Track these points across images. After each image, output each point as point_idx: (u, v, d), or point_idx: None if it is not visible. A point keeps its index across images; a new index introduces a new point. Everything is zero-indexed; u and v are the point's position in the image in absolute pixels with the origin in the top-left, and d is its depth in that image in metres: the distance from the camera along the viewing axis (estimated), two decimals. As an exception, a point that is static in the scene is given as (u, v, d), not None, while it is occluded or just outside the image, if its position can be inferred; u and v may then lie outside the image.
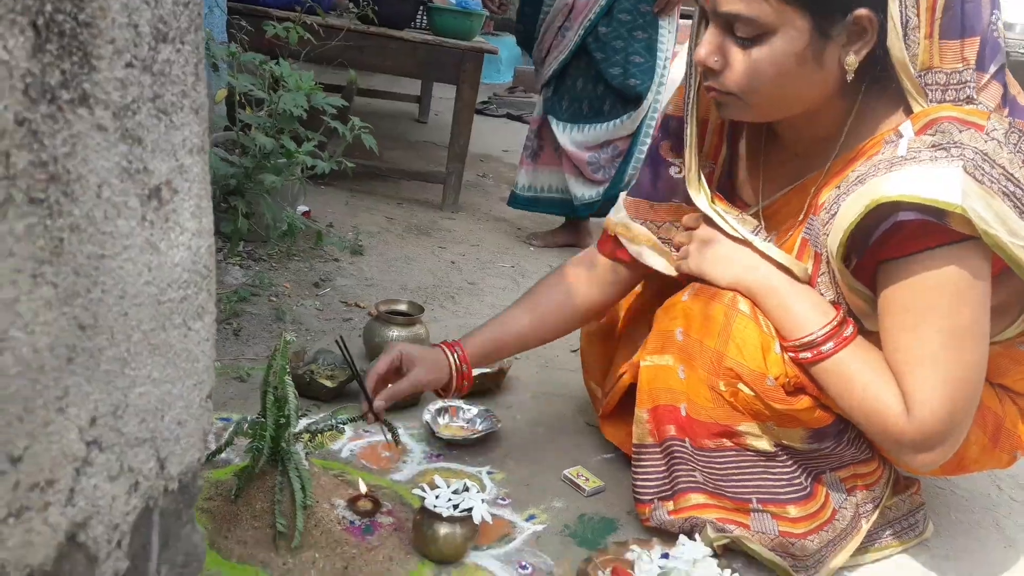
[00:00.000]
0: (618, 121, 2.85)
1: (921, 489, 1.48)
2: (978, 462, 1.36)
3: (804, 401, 1.22)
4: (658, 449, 1.39)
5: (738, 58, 1.12)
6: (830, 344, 1.16)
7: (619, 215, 1.50)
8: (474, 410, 1.70)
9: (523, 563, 1.31)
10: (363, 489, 1.35)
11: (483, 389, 1.80)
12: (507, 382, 1.88)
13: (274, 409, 1.27)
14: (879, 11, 1.06)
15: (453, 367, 1.46)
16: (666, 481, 1.39)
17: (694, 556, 1.30)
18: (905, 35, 1.05)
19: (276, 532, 1.24)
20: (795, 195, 1.29)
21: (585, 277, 1.55)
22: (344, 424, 1.42)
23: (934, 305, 1.07)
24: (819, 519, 1.32)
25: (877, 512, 1.37)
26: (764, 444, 1.29)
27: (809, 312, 1.18)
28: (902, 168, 1.04)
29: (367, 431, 1.61)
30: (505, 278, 2.66)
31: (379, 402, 1.38)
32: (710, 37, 1.14)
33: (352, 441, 1.58)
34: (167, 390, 0.59)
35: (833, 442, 1.27)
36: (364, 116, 2.16)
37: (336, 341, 1.46)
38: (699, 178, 1.32)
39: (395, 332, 1.88)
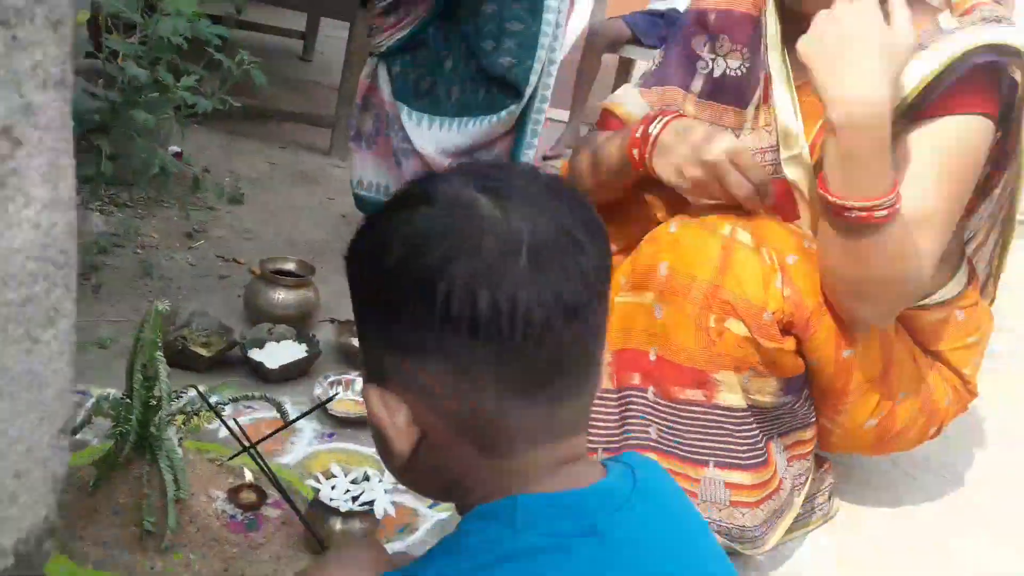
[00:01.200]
0: (495, 118, 1.90)
1: (832, 467, 1.47)
2: (902, 435, 1.35)
3: (790, 342, 1.17)
4: (614, 396, 1.27)
5: None
6: (897, 204, 1.10)
7: (629, 102, 1.43)
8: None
9: (427, 558, 1.20)
10: (247, 478, 1.20)
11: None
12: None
13: (142, 390, 1.09)
14: None
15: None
16: (615, 432, 1.27)
17: None
18: None
19: (143, 531, 1.08)
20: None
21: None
22: (224, 405, 1.25)
23: (945, 157, 1.18)
24: (769, 487, 1.25)
25: (806, 486, 1.34)
26: (736, 399, 1.19)
27: (884, 174, 1.11)
28: (970, 28, 1.16)
29: (250, 407, 1.44)
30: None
31: None
32: None
33: (233, 418, 1.41)
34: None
35: (795, 397, 1.23)
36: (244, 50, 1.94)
37: (252, 454, 1.12)
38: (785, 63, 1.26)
39: (282, 295, 1.70)
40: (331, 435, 1.44)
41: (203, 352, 1.52)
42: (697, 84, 1.37)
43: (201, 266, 1.96)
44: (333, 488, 1.18)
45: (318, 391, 1.50)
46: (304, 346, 1.61)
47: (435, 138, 1.92)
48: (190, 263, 1.95)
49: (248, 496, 1.18)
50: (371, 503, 1.16)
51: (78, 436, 1.26)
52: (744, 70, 1.33)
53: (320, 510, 1.13)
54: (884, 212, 1.08)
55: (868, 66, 1.05)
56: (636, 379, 1.24)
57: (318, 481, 1.18)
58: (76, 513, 1.09)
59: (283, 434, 1.40)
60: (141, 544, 1.08)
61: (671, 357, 1.20)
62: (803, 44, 1.10)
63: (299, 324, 1.72)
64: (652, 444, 1.24)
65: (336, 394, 1.47)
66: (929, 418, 1.37)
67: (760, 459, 1.23)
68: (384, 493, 1.18)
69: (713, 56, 1.35)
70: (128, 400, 1.11)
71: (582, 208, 0.63)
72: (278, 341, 1.61)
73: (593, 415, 1.28)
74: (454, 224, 0.58)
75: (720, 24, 1.34)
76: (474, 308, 0.56)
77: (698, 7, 1.38)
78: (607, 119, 1.44)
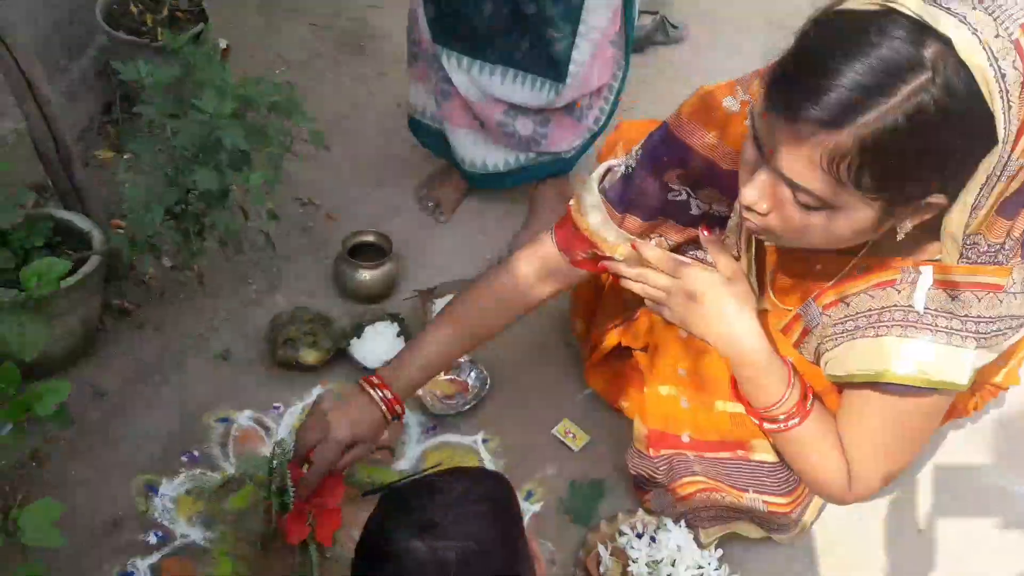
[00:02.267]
0: (539, 83, 1.82)
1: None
2: None
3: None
4: (654, 460, 1.52)
5: (791, 212, 0.99)
6: (795, 419, 1.22)
7: (596, 220, 1.36)
8: (459, 360, 1.77)
9: (529, 554, 1.51)
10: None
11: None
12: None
13: (277, 497, 1.34)
14: (952, 197, 0.97)
15: (386, 414, 1.38)
16: (665, 477, 1.53)
17: (678, 542, 1.51)
18: (969, 214, 0.97)
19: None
20: (798, 279, 1.25)
21: (536, 274, 1.40)
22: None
23: (892, 416, 1.16)
24: (803, 495, 1.50)
25: None
26: (769, 456, 1.42)
27: (779, 388, 1.21)
28: (916, 336, 1.06)
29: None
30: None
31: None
32: (763, 183, 0.99)
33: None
34: None
35: None
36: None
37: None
38: (750, 238, 1.23)
39: (367, 276, 1.86)
40: (433, 428, 1.69)
41: (312, 359, 1.73)
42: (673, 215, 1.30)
43: (279, 210, 2.05)
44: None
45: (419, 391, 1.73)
46: (398, 328, 1.80)
47: (476, 83, 1.85)
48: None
49: (384, 535, 1.48)
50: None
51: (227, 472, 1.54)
52: (727, 214, 1.26)
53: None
54: (777, 425, 1.21)
55: (711, 325, 1.18)
56: (671, 449, 1.46)
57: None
58: (258, 567, 1.42)
59: (392, 436, 1.66)
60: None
61: (703, 438, 1.41)
62: (667, 314, 1.22)
63: (386, 298, 1.91)
64: (700, 478, 1.48)
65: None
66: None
67: (794, 487, 1.45)
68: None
69: (696, 200, 1.26)
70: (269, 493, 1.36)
71: (496, 520, 0.92)
72: (373, 323, 1.81)
73: (639, 468, 1.55)
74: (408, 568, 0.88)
75: (702, 174, 1.22)
76: None
77: (680, 138, 1.22)
78: (570, 232, 1.35)
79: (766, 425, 1.24)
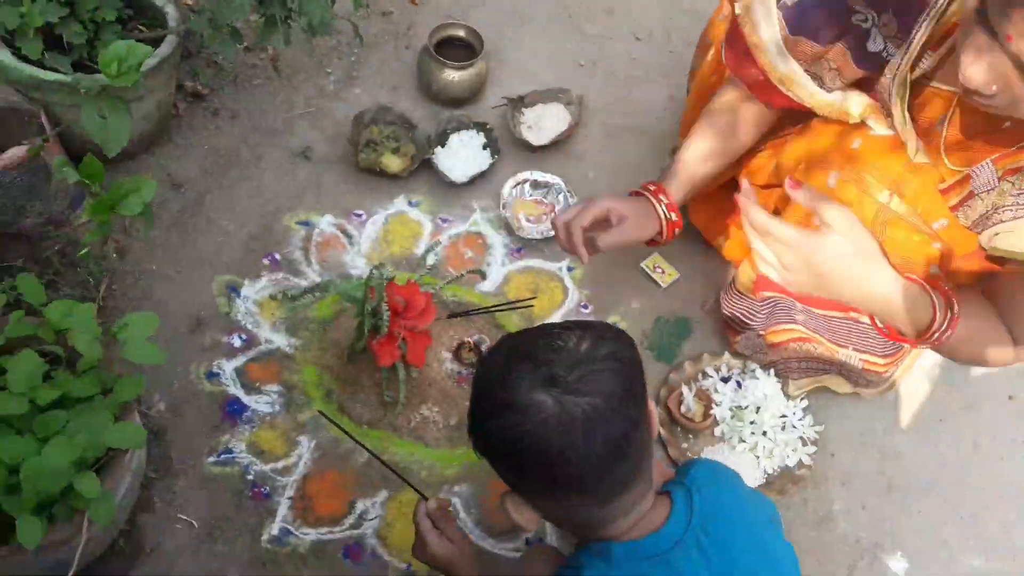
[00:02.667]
0: None
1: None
2: None
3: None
4: (759, 303, 1.45)
5: (1021, 95, 0.87)
6: (948, 332, 1.13)
7: (784, 64, 1.19)
8: (548, 180, 1.67)
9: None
10: (469, 344, 1.45)
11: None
12: (580, 107, 1.76)
13: (371, 319, 1.30)
14: None
15: (663, 218, 1.36)
16: (762, 322, 1.48)
17: (766, 390, 1.48)
18: None
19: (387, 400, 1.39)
20: (977, 137, 1.09)
21: (752, 107, 1.35)
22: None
23: None
24: (901, 356, 1.45)
25: None
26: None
27: (923, 319, 1.11)
28: None
29: (447, 219, 1.61)
30: None
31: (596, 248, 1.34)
32: (996, 65, 0.86)
33: (433, 237, 1.60)
34: None
35: None
36: None
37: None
38: (906, 86, 1.08)
39: (455, 76, 1.70)
40: (519, 250, 1.62)
41: (396, 166, 1.63)
42: (849, 44, 1.12)
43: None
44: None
45: (505, 195, 1.64)
46: (484, 139, 1.68)
47: None
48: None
49: (469, 356, 1.45)
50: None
51: (310, 278, 1.50)
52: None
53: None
54: (930, 342, 1.11)
55: (841, 290, 1.06)
56: (778, 293, 1.37)
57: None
58: (344, 379, 1.41)
59: (480, 253, 1.60)
60: (394, 407, 1.40)
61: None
62: (788, 283, 1.09)
63: (473, 102, 1.77)
64: (798, 328, 1.41)
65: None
66: None
67: (897, 350, 1.39)
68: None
69: (877, 29, 1.08)
70: (361, 314, 1.31)
71: (622, 379, 0.88)
72: (458, 131, 1.69)
73: (737, 308, 1.49)
74: (531, 428, 0.85)
75: None
76: (555, 476, 0.87)
77: None
78: (740, 49, 1.21)
79: (921, 345, 1.14)
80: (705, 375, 1.51)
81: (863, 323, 1.37)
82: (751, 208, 1.05)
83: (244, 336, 1.41)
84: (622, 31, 1.98)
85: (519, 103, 1.75)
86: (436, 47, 1.73)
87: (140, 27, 1.48)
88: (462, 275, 1.49)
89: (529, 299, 1.53)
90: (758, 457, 1.44)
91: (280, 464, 1.31)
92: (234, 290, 1.46)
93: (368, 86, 1.77)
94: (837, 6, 1.10)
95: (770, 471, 1.44)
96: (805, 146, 1.29)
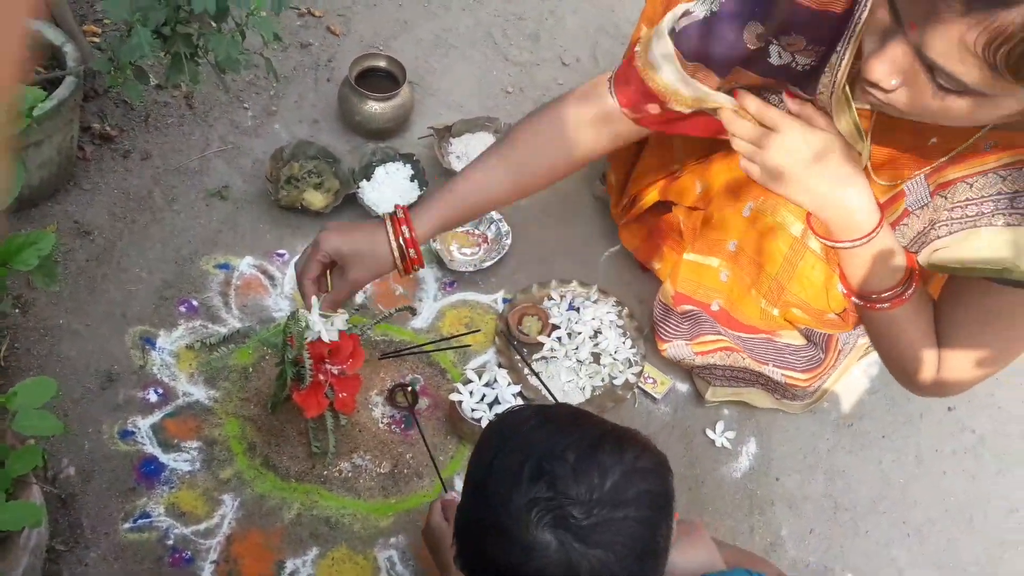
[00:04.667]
0: None
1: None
2: None
3: (854, 319, 1.24)
4: (678, 314, 1.45)
5: (924, 93, 0.82)
6: (886, 304, 1.12)
7: (667, 74, 1.10)
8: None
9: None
10: (404, 386, 1.39)
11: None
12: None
13: (292, 368, 1.23)
14: None
15: (395, 253, 1.17)
16: (687, 331, 1.46)
17: (599, 318, 1.53)
18: None
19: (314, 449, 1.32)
20: (904, 152, 1.08)
21: (592, 130, 1.19)
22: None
23: (1006, 312, 1.04)
24: (826, 369, 1.44)
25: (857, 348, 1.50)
26: (796, 340, 1.35)
27: (882, 269, 1.08)
28: None
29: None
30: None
31: (324, 305, 1.19)
32: (895, 56, 0.82)
33: (361, 274, 1.54)
34: None
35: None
36: None
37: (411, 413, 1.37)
38: (845, 92, 1.02)
39: (377, 108, 1.65)
40: (452, 283, 1.57)
41: (318, 204, 1.57)
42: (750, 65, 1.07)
43: (281, 29, 1.84)
44: (471, 394, 1.37)
45: (435, 246, 1.58)
46: (411, 171, 1.63)
47: None
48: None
49: (402, 399, 1.39)
50: (506, 414, 1.36)
51: (231, 325, 1.43)
52: (810, 68, 1.04)
53: (463, 412, 1.35)
54: (873, 305, 1.07)
55: (818, 186, 1.02)
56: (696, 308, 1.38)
57: (458, 391, 1.37)
58: (268, 431, 1.34)
59: (410, 289, 1.55)
60: (323, 459, 1.33)
61: (734, 314, 1.35)
62: (754, 171, 1.06)
63: (399, 133, 1.72)
64: (722, 338, 1.42)
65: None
66: None
67: (816, 364, 1.39)
68: (513, 397, 1.38)
69: (777, 47, 1.03)
70: (282, 361, 1.24)
71: (644, 531, 0.74)
72: (383, 164, 1.64)
73: (663, 322, 1.48)
74: (526, 570, 0.74)
75: (787, 18, 0.99)
76: None
77: None
78: (636, 87, 1.13)
79: (856, 300, 1.11)
80: (550, 298, 1.57)
81: (779, 342, 1.37)
82: (745, 96, 1.05)
83: (160, 390, 1.33)
84: (548, 57, 1.96)
85: (446, 133, 1.71)
86: (357, 78, 1.68)
87: (38, 68, 1.40)
88: (391, 313, 1.43)
89: (465, 334, 1.49)
90: (578, 375, 1.48)
91: (202, 526, 1.23)
92: (148, 341, 1.38)
93: (288, 121, 1.71)
94: (733, 38, 1.03)
95: (593, 389, 1.48)
96: (728, 171, 1.28)
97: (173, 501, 1.24)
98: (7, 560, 0.93)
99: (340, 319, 1.20)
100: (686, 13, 1.08)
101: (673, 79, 1.08)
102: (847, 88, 1.00)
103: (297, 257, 1.22)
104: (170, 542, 1.21)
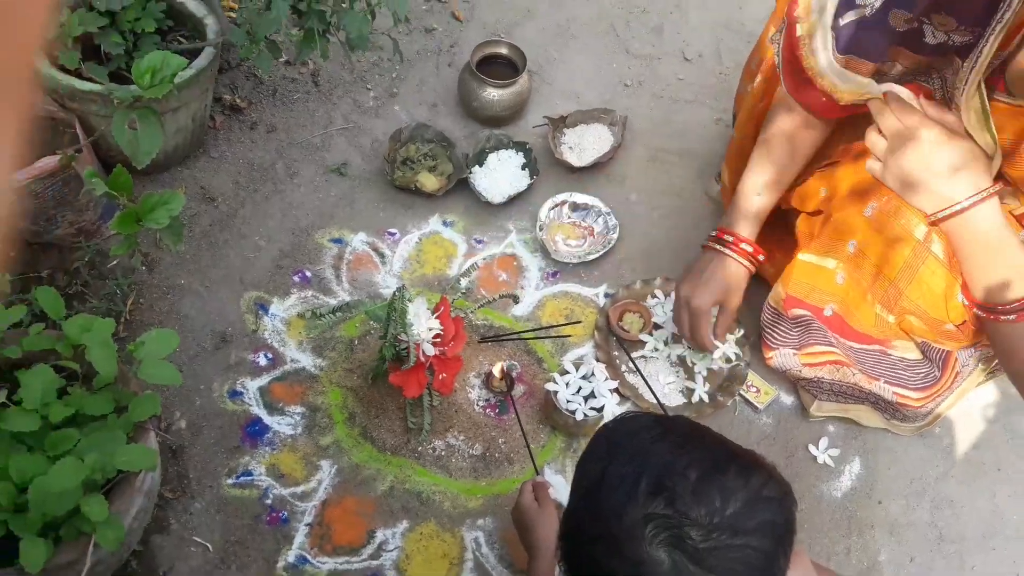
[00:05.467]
0: None
1: None
2: None
3: (973, 334, 1.18)
4: (788, 319, 1.39)
5: None
6: (1012, 316, 1.05)
7: (838, 79, 1.13)
8: (588, 203, 1.62)
9: (645, 422, 1.43)
10: (497, 372, 1.40)
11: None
12: (623, 128, 1.71)
13: (391, 347, 1.25)
14: None
15: (747, 266, 1.34)
16: (797, 339, 1.41)
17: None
18: None
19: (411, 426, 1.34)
20: None
21: (810, 133, 1.29)
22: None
23: None
24: (940, 391, 1.37)
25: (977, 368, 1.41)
26: (913, 353, 1.29)
27: (1009, 280, 1.03)
28: None
29: (481, 240, 1.57)
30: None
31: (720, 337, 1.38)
32: None
33: (467, 258, 1.56)
34: None
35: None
36: None
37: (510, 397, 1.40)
38: (979, 86, 1.00)
39: (495, 95, 1.67)
40: (555, 274, 1.57)
41: (432, 185, 1.59)
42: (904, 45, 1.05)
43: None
44: (567, 385, 1.37)
45: (542, 217, 1.59)
46: (523, 164, 1.64)
47: None
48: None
49: (499, 386, 1.40)
50: (601, 408, 1.35)
51: (340, 297, 1.46)
52: (968, 45, 1.00)
53: (557, 403, 1.34)
54: (1000, 316, 1.03)
55: (928, 181, 1.02)
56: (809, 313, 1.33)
57: (555, 382, 1.37)
58: (368, 402, 1.37)
59: (514, 276, 1.55)
60: (418, 435, 1.35)
61: (848, 320, 1.29)
62: (881, 172, 1.07)
63: (514, 121, 1.73)
64: (835, 351, 1.36)
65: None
66: None
67: (930, 381, 1.31)
68: (610, 392, 1.37)
69: (930, 26, 1.00)
70: (385, 335, 1.27)
71: (763, 562, 0.70)
72: (496, 150, 1.65)
73: (771, 328, 1.44)
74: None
75: (936, 2, 0.97)
76: None
77: None
78: (806, 88, 1.15)
79: (980, 312, 1.07)
80: (653, 296, 1.54)
81: (893, 355, 1.30)
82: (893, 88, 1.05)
83: (270, 355, 1.38)
84: (670, 51, 1.92)
85: (561, 123, 1.70)
86: (478, 65, 1.69)
87: (180, 38, 1.47)
88: (495, 299, 1.44)
89: (564, 324, 1.48)
90: (677, 376, 1.47)
91: (300, 489, 1.27)
92: (262, 307, 1.43)
93: (408, 103, 1.74)
94: (886, 29, 1.03)
95: (694, 397, 1.44)
96: (853, 174, 1.23)
97: (274, 462, 1.29)
98: (123, 499, 0.99)
99: (731, 343, 1.42)
100: (839, 13, 1.07)
101: (831, 73, 1.11)
102: (982, 84, 0.95)
103: (675, 315, 1.39)
104: (268, 501, 1.25)
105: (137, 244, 1.12)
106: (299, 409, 1.34)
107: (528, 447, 1.34)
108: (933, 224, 1.05)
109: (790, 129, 1.28)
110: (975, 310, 1.05)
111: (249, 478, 1.27)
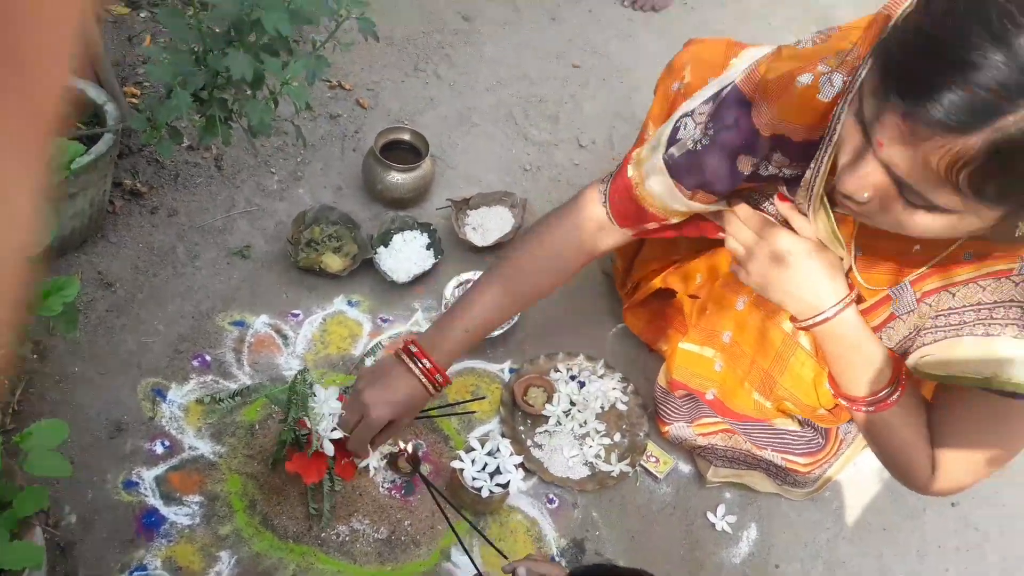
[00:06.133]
0: None
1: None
2: None
3: (846, 415, 1.25)
4: (677, 398, 1.46)
5: (895, 206, 0.87)
6: (871, 408, 1.13)
7: (670, 200, 1.18)
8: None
9: (551, 497, 1.45)
10: (403, 447, 1.40)
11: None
12: (523, 210, 1.77)
13: (290, 433, 1.25)
14: None
15: (431, 390, 1.27)
16: (687, 414, 1.48)
17: (605, 394, 1.55)
18: None
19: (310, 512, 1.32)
20: (888, 258, 1.11)
21: (589, 240, 1.28)
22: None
23: (994, 418, 1.05)
24: (827, 457, 1.44)
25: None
26: (791, 425, 1.36)
27: (868, 374, 1.12)
28: None
29: (387, 319, 1.59)
30: (504, 5, 2.29)
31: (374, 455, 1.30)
32: (869, 173, 0.85)
33: (372, 337, 1.57)
34: None
35: None
36: None
37: (420, 474, 1.38)
38: (823, 201, 1.06)
39: (399, 178, 1.71)
40: (460, 352, 1.59)
41: (335, 267, 1.61)
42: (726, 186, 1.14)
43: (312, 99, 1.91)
44: (473, 463, 1.38)
45: (447, 295, 1.62)
46: (428, 240, 1.68)
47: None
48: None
49: (404, 467, 1.40)
50: (506, 485, 1.36)
51: (241, 381, 1.45)
52: (796, 176, 1.10)
53: (464, 480, 1.35)
54: (862, 408, 1.09)
55: (794, 291, 1.09)
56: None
57: (461, 459, 1.38)
58: (269, 489, 1.34)
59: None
60: (319, 520, 1.33)
61: (728, 404, 1.36)
62: (744, 276, 1.14)
63: (418, 203, 1.77)
64: (722, 421, 1.44)
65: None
66: None
67: (815, 447, 1.40)
68: (515, 468, 1.39)
69: (768, 164, 1.09)
70: (286, 419, 1.26)
71: None
72: (401, 231, 1.68)
73: (663, 404, 1.51)
74: None
75: (773, 148, 1.06)
76: None
77: (749, 119, 1.05)
78: (632, 207, 1.21)
79: (844, 403, 1.14)
80: (556, 370, 1.59)
81: (778, 427, 1.38)
82: (738, 203, 1.13)
83: (167, 442, 1.35)
84: (566, 138, 2.02)
85: (464, 205, 1.76)
86: (382, 150, 1.74)
87: (78, 124, 1.47)
88: (460, 403, 1.45)
89: (470, 400, 1.50)
90: (581, 449, 1.49)
91: (197, 582, 1.23)
92: (160, 393, 1.40)
93: (312, 186, 1.77)
94: (723, 168, 1.10)
95: (595, 467, 1.48)
96: (725, 263, 1.32)
97: (170, 555, 1.25)
98: (4, 602, 0.94)
99: (377, 456, 1.32)
100: (675, 139, 1.14)
101: (673, 203, 1.17)
102: (824, 198, 1.04)
103: (344, 419, 1.24)
104: (164, 596, 1.21)
105: (28, 333, 1.09)
106: (197, 498, 1.31)
107: (457, 511, 1.35)
108: (801, 329, 1.12)
109: (570, 238, 1.27)
110: (839, 400, 1.13)
111: (144, 573, 1.22)
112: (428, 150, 1.75)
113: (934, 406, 1.10)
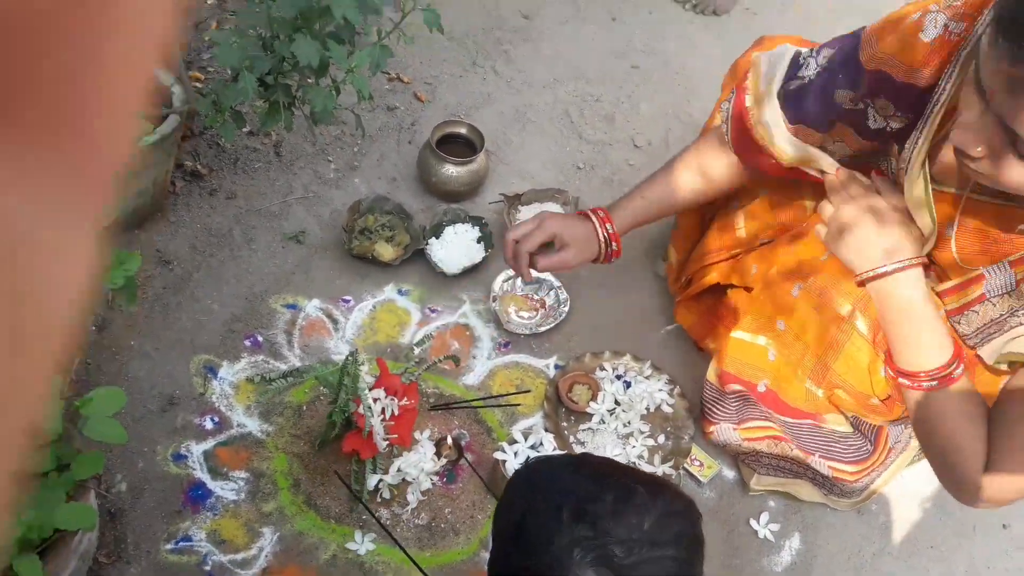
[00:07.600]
0: None
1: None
2: None
3: (899, 409, 1.22)
4: (726, 395, 1.44)
5: (1009, 162, 0.87)
6: (936, 383, 1.10)
7: (787, 145, 1.21)
8: (540, 277, 1.66)
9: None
10: (449, 440, 1.41)
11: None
12: (575, 208, 1.77)
13: (340, 414, 1.26)
14: None
15: (602, 243, 1.39)
16: (735, 414, 1.46)
17: (651, 394, 1.53)
18: None
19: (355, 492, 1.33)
20: (998, 234, 1.08)
21: (724, 166, 1.37)
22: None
23: None
24: (875, 465, 1.41)
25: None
26: (844, 427, 1.34)
27: (930, 347, 1.07)
28: None
29: (435, 310, 1.60)
30: (564, 3, 2.29)
31: (536, 269, 1.39)
32: (982, 127, 0.86)
33: (420, 327, 1.58)
34: None
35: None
36: None
37: (466, 459, 1.42)
38: (924, 167, 1.08)
39: (453, 171, 1.72)
40: (507, 344, 1.60)
41: (387, 256, 1.62)
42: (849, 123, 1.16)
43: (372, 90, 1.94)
44: (516, 455, 1.38)
45: (494, 306, 1.62)
46: (478, 237, 1.68)
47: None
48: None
49: (448, 452, 1.41)
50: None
51: (291, 363, 1.47)
52: (903, 131, 1.11)
53: (505, 477, 1.36)
54: (916, 383, 1.08)
55: (863, 248, 1.09)
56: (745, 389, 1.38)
57: (503, 451, 1.38)
58: (313, 469, 1.36)
59: (466, 346, 1.58)
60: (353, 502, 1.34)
61: (780, 395, 1.34)
62: (825, 238, 1.15)
63: (471, 197, 1.78)
64: (772, 426, 1.41)
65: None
66: None
67: (863, 455, 1.37)
68: (558, 463, 1.39)
69: (873, 109, 1.11)
70: (335, 401, 1.28)
71: (681, 569, 0.76)
72: (453, 224, 1.69)
73: (710, 403, 1.49)
74: None
75: (876, 86, 1.08)
76: None
77: (858, 59, 1.09)
78: (746, 138, 1.25)
79: (901, 380, 1.11)
80: (602, 368, 1.57)
81: (825, 428, 1.35)
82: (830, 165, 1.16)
83: (216, 419, 1.38)
84: (621, 138, 2.01)
85: (516, 201, 1.76)
86: (438, 143, 1.75)
87: (145, 105, 1.50)
88: (436, 362, 1.46)
89: (515, 393, 1.50)
90: (624, 449, 1.48)
91: (240, 556, 1.25)
92: (211, 371, 1.43)
93: (368, 176, 1.79)
94: (829, 100, 1.13)
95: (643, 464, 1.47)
96: (786, 255, 1.30)
97: (215, 528, 1.27)
98: (57, 560, 0.97)
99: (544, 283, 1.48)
100: (796, 65, 1.17)
101: (782, 141, 1.19)
102: (926, 165, 1.03)
103: (515, 229, 1.37)
104: (207, 568, 1.23)
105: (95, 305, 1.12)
106: (243, 474, 1.33)
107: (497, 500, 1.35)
108: (861, 284, 1.11)
109: (713, 160, 1.37)
110: (898, 379, 1.10)
111: (188, 543, 1.24)
112: (483, 145, 1.76)
113: (997, 404, 1.07)
